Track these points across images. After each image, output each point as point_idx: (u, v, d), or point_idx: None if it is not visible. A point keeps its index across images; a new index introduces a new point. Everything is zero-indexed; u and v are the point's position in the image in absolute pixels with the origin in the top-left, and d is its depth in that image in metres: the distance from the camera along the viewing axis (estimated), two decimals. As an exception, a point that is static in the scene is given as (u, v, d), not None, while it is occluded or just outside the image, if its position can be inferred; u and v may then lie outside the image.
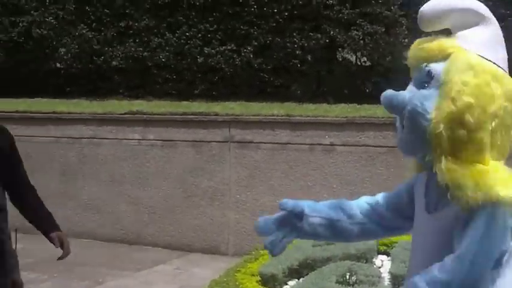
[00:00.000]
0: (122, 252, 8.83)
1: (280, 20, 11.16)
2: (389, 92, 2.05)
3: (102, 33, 12.03)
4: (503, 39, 2.06)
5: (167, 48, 11.59)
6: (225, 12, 11.42)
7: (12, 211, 3.32)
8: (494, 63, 1.97)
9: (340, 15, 11.01)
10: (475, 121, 1.88)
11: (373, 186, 7.69)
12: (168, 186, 9.09)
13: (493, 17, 2.05)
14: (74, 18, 12.23)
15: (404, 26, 10.74)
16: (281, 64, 11.35)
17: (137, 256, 8.60)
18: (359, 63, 12.07)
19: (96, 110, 9.84)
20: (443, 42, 2.01)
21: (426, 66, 2.01)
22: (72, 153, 9.65)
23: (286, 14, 11.14)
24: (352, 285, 4.98)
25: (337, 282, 4.90)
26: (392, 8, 11.16)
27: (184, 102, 10.40)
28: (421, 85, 2.01)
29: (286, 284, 5.17)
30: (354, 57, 12.16)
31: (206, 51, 11.35)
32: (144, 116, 9.37)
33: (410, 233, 2.23)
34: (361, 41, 11.09)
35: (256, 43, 11.27)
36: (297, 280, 5.23)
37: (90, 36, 12.00)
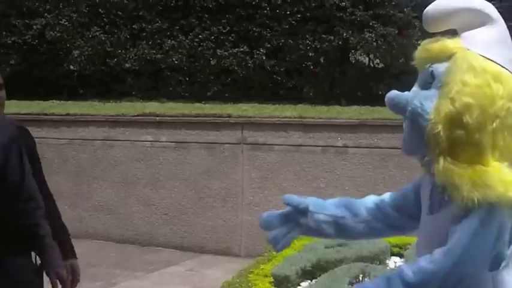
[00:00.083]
0: (134, 253, 8.84)
1: (293, 22, 11.15)
2: (392, 93, 2.06)
3: (115, 36, 12.06)
4: (510, 39, 2.03)
5: (180, 50, 11.60)
6: (238, 14, 11.43)
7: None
8: (498, 64, 1.94)
9: (353, 17, 10.99)
10: (474, 122, 1.86)
11: (386, 188, 7.63)
12: (181, 188, 9.10)
13: (500, 17, 2.03)
14: (87, 21, 12.27)
15: (417, 28, 10.70)
16: (294, 66, 11.34)
17: (149, 257, 8.61)
18: (372, 65, 12.04)
19: (109, 112, 9.88)
20: (446, 43, 1.99)
21: (430, 67, 2.00)
22: (85, 155, 9.68)
23: (299, 16, 11.13)
24: (365, 287, 4.95)
25: (350, 283, 4.88)
26: (405, 9, 11.13)
27: (197, 104, 10.41)
28: (424, 86, 2.00)
29: (299, 285, 5.15)
30: (367, 59, 12.13)
31: (219, 53, 11.36)
32: (157, 117, 9.40)
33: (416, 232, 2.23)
34: (374, 43, 11.06)
35: (269, 45, 11.27)
36: (309, 281, 5.21)
37: (103, 38, 12.04)
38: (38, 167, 3.32)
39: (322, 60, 11.46)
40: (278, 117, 8.82)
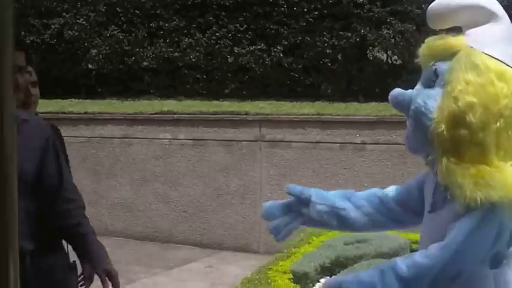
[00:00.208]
0: (153, 250, 8.87)
1: (311, 19, 11.12)
2: (396, 91, 2.05)
3: (133, 34, 12.10)
4: None
5: (197, 48, 11.62)
6: (255, 12, 11.42)
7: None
8: (502, 62, 1.91)
9: (371, 13, 10.95)
10: (477, 121, 1.84)
11: (405, 184, 7.61)
12: (199, 185, 9.11)
13: (505, 14, 2.00)
14: (105, 20, 12.32)
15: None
16: (311, 63, 11.32)
17: (169, 254, 8.63)
18: (390, 62, 11.99)
19: (127, 110, 9.91)
20: (450, 41, 1.97)
21: (433, 65, 1.98)
22: (104, 153, 9.72)
23: (316, 13, 11.10)
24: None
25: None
26: (423, 6, 11.05)
27: (215, 102, 10.42)
28: (428, 84, 1.99)
29: (319, 282, 5.14)
30: (385, 55, 12.08)
31: (236, 51, 11.36)
32: (175, 115, 9.41)
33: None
34: (392, 40, 11.01)
35: (286, 42, 11.25)
36: (329, 278, 5.20)
37: (121, 37, 12.08)
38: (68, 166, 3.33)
39: (339, 57, 11.43)
40: (296, 115, 8.80)
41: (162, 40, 11.92)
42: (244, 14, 11.48)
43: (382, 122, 8.21)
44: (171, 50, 11.79)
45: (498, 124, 1.86)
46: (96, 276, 2.82)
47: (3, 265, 0.97)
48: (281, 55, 11.19)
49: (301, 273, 5.05)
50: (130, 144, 9.61)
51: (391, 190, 2.31)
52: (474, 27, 1.96)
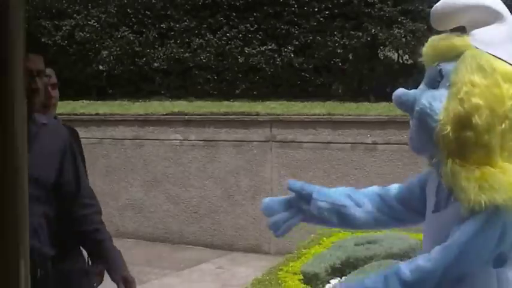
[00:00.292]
0: (164, 251, 8.89)
1: (321, 18, 11.10)
2: (400, 91, 2.03)
3: (144, 35, 12.13)
4: None
5: (208, 48, 11.62)
6: (266, 12, 11.41)
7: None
8: (508, 62, 1.90)
9: (382, 12, 10.91)
10: (483, 123, 1.82)
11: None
12: (210, 186, 9.11)
13: (510, 14, 1.98)
14: (116, 21, 12.35)
15: (447, 23, 10.58)
16: (322, 63, 11.29)
17: (180, 255, 8.65)
18: (401, 61, 11.95)
19: (138, 111, 9.93)
20: (455, 41, 1.95)
21: (438, 65, 1.97)
22: (115, 154, 9.75)
23: (327, 12, 11.08)
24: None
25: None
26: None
27: (226, 102, 10.42)
28: (432, 84, 1.97)
29: (329, 283, 5.13)
30: (396, 55, 12.04)
31: (247, 51, 11.35)
32: (186, 116, 9.43)
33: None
34: (403, 39, 10.97)
35: (297, 42, 11.23)
36: (339, 279, 5.19)
37: (131, 38, 12.11)
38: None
39: (350, 57, 11.40)
40: (307, 115, 8.79)
41: (172, 41, 11.93)
42: (255, 14, 11.48)
43: (393, 122, 8.19)
44: (182, 50, 11.80)
45: (503, 126, 1.85)
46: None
47: (14, 260, 0.97)
48: (292, 55, 11.17)
49: (312, 274, 5.05)
50: (141, 145, 9.63)
51: (392, 188, 2.31)
52: (479, 27, 1.95)
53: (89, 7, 12.53)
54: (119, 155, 9.73)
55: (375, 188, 2.33)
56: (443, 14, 1.97)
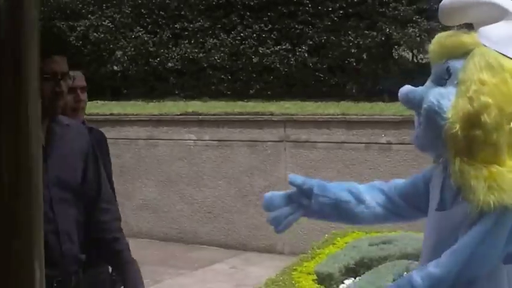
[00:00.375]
0: (178, 251, 8.90)
1: (335, 18, 11.07)
2: (406, 88, 2.02)
3: (158, 35, 12.15)
4: None
5: (222, 48, 11.63)
6: (280, 12, 11.40)
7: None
8: None
9: (396, 12, 10.87)
10: (491, 122, 1.82)
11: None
12: (224, 186, 9.12)
13: None
14: (130, 21, 12.38)
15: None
16: (336, 63, 11.27)
17: (193, 255, 8.65)
18: (415, 61, 11.90)
19: (152, 112, 9.96)
20: (463, 39, 1.94)
21: (445, 62, 1.95)
22: (129, 154, 9.77)
23: (341, 12, 11.05)
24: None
25: (394, 281, 4.82)
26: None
27: (240, 102, 10.42)
28: (439, 82, 1.96)
29: (343, 283, 5.12)
30: (411, 54, 12.00)
31: (261, 51, 11.35)
32: (200, 116, 9.44)
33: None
34: (418, 38, 10.92)
35: (311, 42, 11.21)
36: (353, 279, 5.17)
37: (146, 38, 12.14)
38: (108, 173, 3.26)
39: (365, 57, 11.36)
40: (321, 115, 8.77)
41: (186, 41, 11.95)
42: (269, 13, 11.47)
43: (407, 121, 8.13)
44: (196, 50, 11.81)
45: (511, 124, 1.84)
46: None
47: (28, 261, 0.97)
48: (306, 55, 11.16)
49: (326, 274, 5.03)
50: (155, 146, 9.65)
51: (395, 183, 2.30)
52: (486, 24, 1.93)
53: (103, 7, 12.57)
54: (133, 155, 9.76)
55: (377, 183, 2.32)
56: (452, 9, 1.96)
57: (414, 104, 1.99)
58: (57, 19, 12.68)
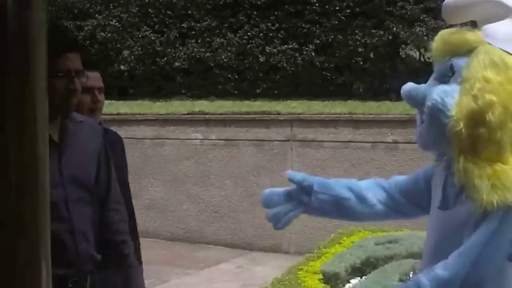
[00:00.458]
0: (184, 251, 8.91)
1: (342, 17, 11.06)
2: (409, 85, 2.02)
3: (165, 35, 12.17)
4: None
5: (229, 48, 11.64)
6: (287, 11, 11.39)
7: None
8: None
9: (404, 11, 10.86)
10: (496, 120, 1.81)
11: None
12: (230, 186, 9.12)
13: None
14: (137, 21, 12.41)
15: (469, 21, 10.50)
16: (343, 62, 11.26)
17: (200, 255, 8.66)
18: (422, 60, 11.87)
19: (159, 111, 9.97)
20: (468, 36, 1.93)
21: (449, 60, 1.94)
22: (136, 154, 9.79)
23: (348, 11, 11.04)
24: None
25: (400, 280, 4.82)
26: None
27: (246, 102, 10.42)
28: (442, 79, 1.95)
29: (349, 282, 5.12)
30: (418, 53, 11.97)
31: (268, 51, 11.35)
32: (206, 116, 9.44)
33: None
34: (425, 37, 10.89)
35: (318, 41, 11.21)
36: (359, 278, 5.17)
37: (153, 38, 12.16)
38: (124, 175, 3.22)
39: (371, 56, 11.35)
40: (327, 114, 8.77)
41: (193, 40, 11.96)
42: (276, 13, 11.47)
43: (414, 120, 8.08)
44: (203, 50, 11.82)
45: None
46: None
47: (35, 261, 0.97)
48: (313, 54, 11.15)
49: (332, 274, 5.03)
50: (162, 145, 9.66)
51: (396, 180, 2.28)
52: (490, 22, 1.93)
53: (111, 7, 12.60)
54: (140, 154, 9.77)
55: (378, 180, 2.31)
56: (456, 7, 1.96)
57: (417, 101, 1.98)
58: (64, 18, 12.71)
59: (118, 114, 10.00)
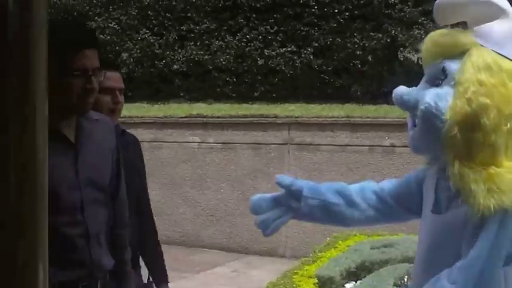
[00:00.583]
0: (180, 254, 8.89)
1: (341, 20, 11.07)
2: (400, 89, 1.99)
3: (164, 38, 12.17)
4: None
5: (227, 51, 11.64)
6: (286, 14, 11.40)
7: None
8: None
9: (402, 14, 10.87)
10: (490, 123, 1.79)
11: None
12: (227, 189, 9.12)
13: None
14: (136, 23, 12.41)
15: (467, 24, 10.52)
16: (341, 65, 11.26)
17: (195, 258, 8.66)
18: (421, 63, 11.84)
19: (157, 114, 9.97)
20: (460, 38, 1.90)
21: (441, 62, 1.92)
22: (134, 156, 9.78)
23: (346, 14, 11.05)
24: (411, 288, 4.89)
25: (395, 285, 4.83)
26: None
27: (244, 105, 10.42)
28: (434, 82, 1.92)
29: (344, 287, 5.12)
30: (416, 56, 11.98)
31: (266, 53, 11.35)
32: (204, 119, 9.45)
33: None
34: (424, 40, 10.91)
35: (316, 44, 11.21)
36: (354, 283, 5.18)
37: (151, 40, 12.16)
38: (142, 180, 3.18)
39: (370, 59, 11.35)
40: (325, 117, 8.78)
41: (192, 43, 11.96)
42: (275, 16, 11.47)
43: (410, 125, 8.16)
44: (202, 53, 11.82)
45: (509, 125, 1.82)
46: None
47: (32, 262, 0.97)
48: (311, 57, 11.15)
49: (327, 278, 5.04)
50: (159, 148, 9.66)
51: (387, 184, 2.25)
52: (482, 23, 1.91)
53: (110, 10, 12.59)
54: (138, 156, 9.76)
55: (368, 184, 2.28)
56: (447, 8, 1.95)
57: (409, 105, 1.95)
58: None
59: (116, 116, 10.00)
